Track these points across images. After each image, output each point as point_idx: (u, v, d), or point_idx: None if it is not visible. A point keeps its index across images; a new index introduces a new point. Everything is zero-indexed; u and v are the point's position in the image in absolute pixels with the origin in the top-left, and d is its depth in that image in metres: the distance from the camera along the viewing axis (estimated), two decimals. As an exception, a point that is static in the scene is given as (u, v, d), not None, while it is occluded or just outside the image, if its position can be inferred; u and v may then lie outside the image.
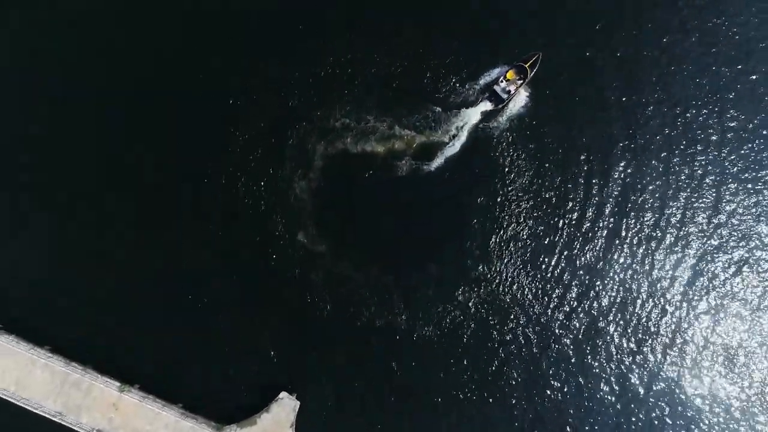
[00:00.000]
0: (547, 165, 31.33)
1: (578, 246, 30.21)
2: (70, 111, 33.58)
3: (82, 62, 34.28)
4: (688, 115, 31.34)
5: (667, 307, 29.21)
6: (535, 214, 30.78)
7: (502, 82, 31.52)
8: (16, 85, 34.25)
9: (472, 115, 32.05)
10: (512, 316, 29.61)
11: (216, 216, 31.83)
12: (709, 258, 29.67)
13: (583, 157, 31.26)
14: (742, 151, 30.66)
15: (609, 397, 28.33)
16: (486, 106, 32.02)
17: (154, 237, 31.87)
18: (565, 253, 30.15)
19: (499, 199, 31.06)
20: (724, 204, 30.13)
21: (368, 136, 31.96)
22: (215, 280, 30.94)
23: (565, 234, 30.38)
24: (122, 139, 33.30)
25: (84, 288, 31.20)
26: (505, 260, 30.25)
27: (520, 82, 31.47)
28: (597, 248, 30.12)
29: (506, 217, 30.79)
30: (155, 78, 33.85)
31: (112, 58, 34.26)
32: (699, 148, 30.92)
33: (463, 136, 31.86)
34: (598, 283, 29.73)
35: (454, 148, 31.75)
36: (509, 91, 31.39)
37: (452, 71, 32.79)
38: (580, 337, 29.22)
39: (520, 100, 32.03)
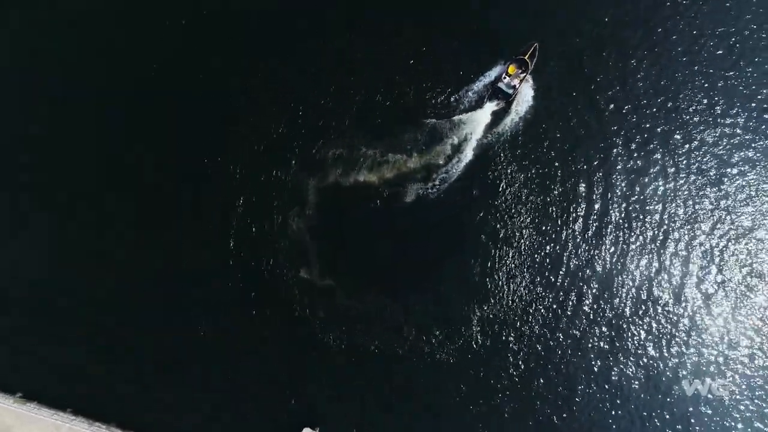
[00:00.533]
0: (548, 172, 30.98)
1: (586, 252, 29.88)
2: (70, 111, 33.60)
3: (82, 62, 34.30)
4: (684, 109, 31.26)
5: (683, 307, 28.97)
6: (540, 224, 30.42)
7: (505, 78, 31.49)
8: (16, 85, 34.28)
9: (479, 120, 31.64)
10: (518, 325, 29.34)
11: (216, 216, 31.78)
12: (717, 252, 29.56)
13: (586, 160, 30.98)
14: (737, 144, 30.61)
15: (626, 404, 28.13)
16: (492, 106, 31.80)
17: (154, 237, 31.87)
18: (573, 261, 29.85)
19: (501, 212, 30.64)
20: (724, 199, 30.08)
21: (379, 155, 31.59)
22: (215, 280, 30.91)
23: (571, 241, 30.08)
24: (122, 139, 33.31)
25: (84, 288, 31.21)
26: (510, 272, 29.95)
27: (522, 75, 31.46)
28: (605, 254, 29.80)
29: (511, 229, 30.39)
30: (155, 78, 33.86)
31: (112, 58, 34.27)
32: (695, 144, 30.87)
33: (466, 148, 31.36)
34: (609, 290, 29.40)
35: (456, 164, 31.25)
36: (514, 86, 31.38)
37: (453, 77, 32.45)
38: (592, 344, 29.14)
39: (524, 98, 31.79)
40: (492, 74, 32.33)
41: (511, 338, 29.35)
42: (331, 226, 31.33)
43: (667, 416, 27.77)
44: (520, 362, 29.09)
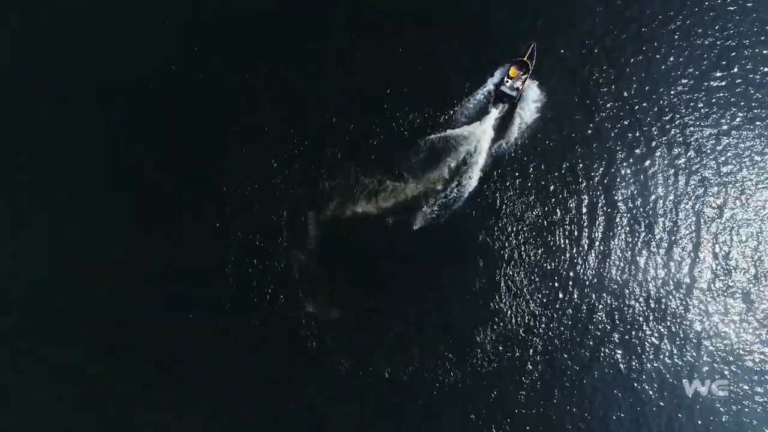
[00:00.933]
0: (552, 186, 30.82)
1: (595, 264, 29.73)
2: (70, 111, 33.58)
3: (82, 62, 34.27)
4: (680, 114, 31.32)
5: (684, 308, 28.98)
6: (545, 241, 30.24)
7: (507, 81, 31.32)
8: (16, 85, 34.25)
9: (481, 135, 31.06)
10: (522, 340, 29.18)
11: (216, 216, 31.74)
12: (720, 256, 29.63)
13: (588, 172, 30.84)
14: (733, 147, 30.73)
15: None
16: (496, 113, 31.48)
17: (154, 237, 31.84)
18: (577, 274, 29.73)
19: (505, 234, 30.30)
20: (725, 206, 30.10)
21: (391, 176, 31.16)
22: (215, 280, 30.87)
23: (576, 256, 29.94)
24: (122, 139, 33.29)
25: (84, 288, 31.15)
26: (515, 291, 29.75)
27: (524, 76, 31.36)
28: (613, 267, 29.68)
29: (515, 248, 30.14)
30: (155, 78, 33.84)
31: (112, 58, 34.26)
32: (698, 153, 30.90)
33: (467, 170, 30.76)
34: (612, 296, 29.30)
35: (457, 187, 30.78)
36: (517, 88, 31.25)
37: (454, 83, 32.08)
38: (593, 345, 29.15)
39: (527, 102, 31.55)
40: (493, 80, 32.16)
41: (509, 334, 29.36)
42: (330, 242, 31.10)
43: (668, 416, 27.79)
44: (521, 363, 29.11)
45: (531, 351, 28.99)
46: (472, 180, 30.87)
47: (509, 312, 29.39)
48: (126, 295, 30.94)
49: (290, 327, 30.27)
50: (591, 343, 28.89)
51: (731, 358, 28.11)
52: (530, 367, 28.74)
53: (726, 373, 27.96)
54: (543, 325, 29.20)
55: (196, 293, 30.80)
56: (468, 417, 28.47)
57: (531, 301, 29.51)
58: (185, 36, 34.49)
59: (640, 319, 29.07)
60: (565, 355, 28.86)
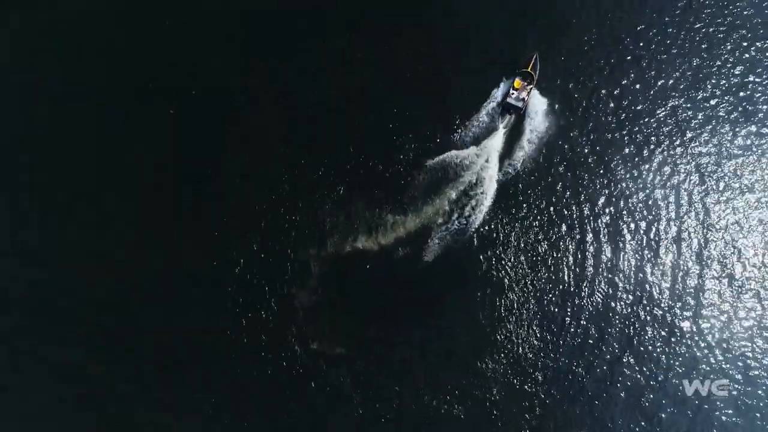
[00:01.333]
0: (555, 214, 30.51)
1: (599, 284, 29.39)
2: (70, 111, 33.60)
3: (82, 62, 34.31)
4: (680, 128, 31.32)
5: (684, 309, 28.87)
6: (551, 268, 29.88)
7: (513, 93, 31.25)
8: (16, 85, 34.29)
9: (489, 154, 30.66)
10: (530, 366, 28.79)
11: (216, 216, 31.75)
12: (719, 261, 29.64)
13: (595, 193, 30.60)
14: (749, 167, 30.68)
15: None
16: (502, 127, 31.22)
17: (154, 237, 31.84)
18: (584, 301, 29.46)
19: (513, 265, 29.84)
20: (731, 215, 30.13)
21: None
22: (215, 280, 30.87)
23: (581, 279, 29.59)
24: (122, 139, 33.31)
25: (84, 288, 31.15)
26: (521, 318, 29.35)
27: (529, 87, 31.31)
28: (617, 284, 29.44)
29: (523, 277, 29.72)
30: (155, 78, 33.86)
31: (112, 58, 34.29)
32: (694, 169, 30.88)
33: (471, 201, 30.26)
34: (623, 318, 28.97)
35: (459, 217, 30.30)
36: (523, 99, 31.18)
37: (455, 93, 31.98)
38: (596, 346, 29.12)
39: (534, 116, 31.41)
40: (499, 92, 32.01)
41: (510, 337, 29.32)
42: (331, 255, 30.78)
43: (668, 416, 27.78)
44: (524, 382, 29.08)
45: (534, 373, 28.57)
46: (477, 210, 30.40)
47: (513, 339, 28.95)
48: (126, 295, 30.93)
49: (290, 327, 30.27)
50: (590, 353, 28.77)
51: (731, 358, 28.08)
52: (534, 388, 28.42)
53: (726, 373, 27.93)
54: (546, 350, 28.63)
55: (196, 293, 30.77)
56: (469, 424, 28.30)
57: (534, 327, 28.99)
58: (185, 36, 34.52)
59: (642, 324, 29.00)
60: (566, 371, 28.60)
